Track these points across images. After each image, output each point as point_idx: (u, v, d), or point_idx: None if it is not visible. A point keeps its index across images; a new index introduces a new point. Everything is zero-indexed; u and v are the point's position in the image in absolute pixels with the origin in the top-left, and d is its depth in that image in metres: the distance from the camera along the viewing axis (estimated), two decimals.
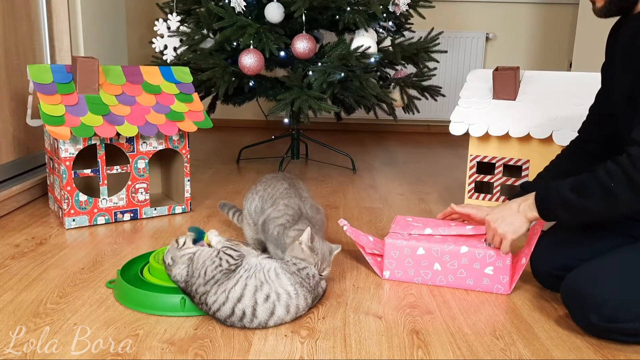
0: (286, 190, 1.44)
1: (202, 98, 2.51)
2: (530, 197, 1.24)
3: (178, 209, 1.95)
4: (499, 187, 1.90)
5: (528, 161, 1.84)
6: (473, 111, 1.92)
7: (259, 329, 1.13)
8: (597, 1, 1.23)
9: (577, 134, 1.52)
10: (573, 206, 1.15)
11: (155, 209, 1.90)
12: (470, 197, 1.95)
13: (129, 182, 1.84)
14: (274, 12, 2.26)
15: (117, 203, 1.82)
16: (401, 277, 1.41)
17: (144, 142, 1.84)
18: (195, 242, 1.27)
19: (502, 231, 1.28)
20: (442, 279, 1.38)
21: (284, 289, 1.15)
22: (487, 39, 3.92)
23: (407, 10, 2.56)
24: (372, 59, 2.39)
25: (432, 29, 2.75)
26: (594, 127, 1.45)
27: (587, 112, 1.50)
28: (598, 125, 1.44)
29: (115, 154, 1.85)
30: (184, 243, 1.22)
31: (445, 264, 1.37)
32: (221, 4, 2.35)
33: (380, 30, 2.60)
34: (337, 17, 2.38)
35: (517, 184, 1.86)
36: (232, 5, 2.28)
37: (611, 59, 1.31)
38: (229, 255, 1.16)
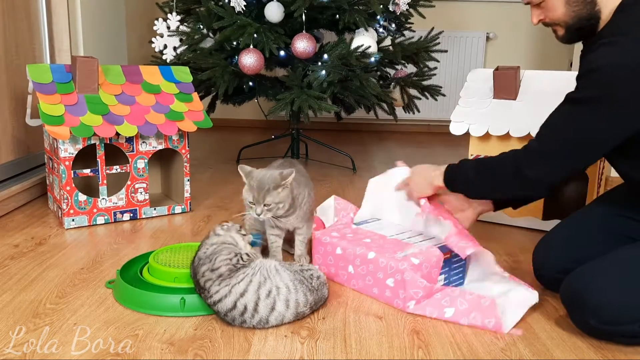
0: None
1: (201, 98, 2.51)
2: (442, 168, 1.35)
3: (178, 209, 1.95)
4: None
5: None
6: (473, 111, 1.92)
7: (258, 327, 1.13)
8: (558, 30, 1.26)
9: None
10: (468, 181, 1.28)
11: (154, 209, 1.90)
12: None
13: (129, 182, 1.83)
14: (274, 12, 2.26)
15: (116, 203, 1.82)
16: (327, 274, 1.39)
17: (143, 142, 1.84)
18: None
19: (411, 187, 1.43)
20: (354, 283, 1.34)
21: (283, 282, 1.16)
22: (488, 38, 3.91)
23: (407, 9, 2.56)
24: (372, 59, 2.39)
25: (433, 28, 2.74)
26: None
27: None
28: None
29: (115, 154, 1.85)
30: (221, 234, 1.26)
31: (356, 267, 1.33)
32: (221, 3, 2.34)
33: (381, 29, 2.59)
34: (337, 16, 2.38)
35: None
36: (232, 4, 2.28)
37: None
38: (240, 256, 1.20)
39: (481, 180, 1.26)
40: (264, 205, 1.33)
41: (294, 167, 1.41)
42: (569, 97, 1.16)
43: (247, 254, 1.21)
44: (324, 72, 2.29)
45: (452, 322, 1.20)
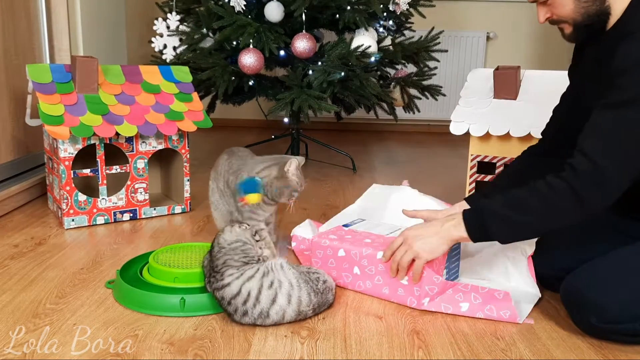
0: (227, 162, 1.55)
1: (201, 97, 2.51)
2: (457, 217, 1.17)
3: (178, 209, 1.95)
4: None
5: None
6: (473, 111, 1.91)
7: (259, 322, 1.13)
8: (565, 28, 1.20)
9: (540, 137, 1.46)
10: (509, 223, 1.12)
11: (154, 209, 1.90)
12: None
13: (129, 182, 1.83)
14: (273, 11, 2.26)
15: (116, 203, 1.82)
16: None
17: (143, 142, 1.84)
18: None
19: (418, 248, 1.18)
20: (361, 284, 1.32)
21: (286, 278, 1.17)
22: (488, 38, 3.91)
23: (407, 9, 2.56)
24: (372, 58, 2.39)
25: (433, 28, 2.74)
26: (559, 129, 1.40)
27: None
28: (562, 126, 1.39)
29: (115, 154, 1.84)
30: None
31: (363, 268, 1.30)
32: (221, 3, 2.34)
33: (381, 29, 2.59)
34: (337, 16, 2.38)
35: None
36: (231, 4, 2.28)
37: (582, 65, 1.30)
38: (259, 257, 1.23)
39: (530, 219, 1.11)
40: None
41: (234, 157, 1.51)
42: (611, 103, 1.07)
43: (263, 257, 1.25)
44: (323, 72, 2.29)
45: (452, 321, 1.20)
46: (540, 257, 1.36)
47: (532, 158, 1.44)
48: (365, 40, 2.33)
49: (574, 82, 1.37)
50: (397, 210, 1.48)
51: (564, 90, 1.42)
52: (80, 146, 1.72)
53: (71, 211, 1.73)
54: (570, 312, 1.17)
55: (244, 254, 1.21)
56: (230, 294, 1.13)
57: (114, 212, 1.82)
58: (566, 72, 1.45)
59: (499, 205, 1.14)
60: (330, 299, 1.24)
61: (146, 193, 1.87)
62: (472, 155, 1.92)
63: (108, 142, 1.77)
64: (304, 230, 1.59)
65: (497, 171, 1.89)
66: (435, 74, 2.73)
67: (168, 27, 2.44)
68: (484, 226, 1.14)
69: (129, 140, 1.81)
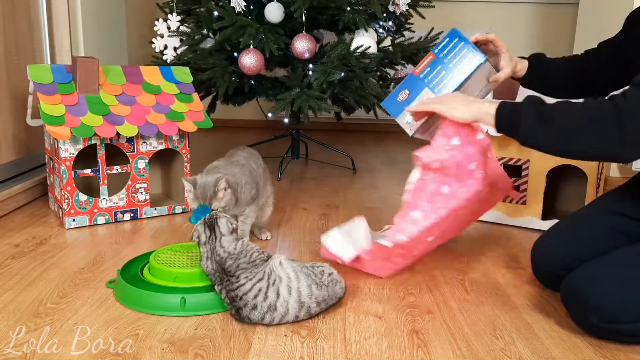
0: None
1: (202, 98, 2.51)
2: (494, 101, 1.17)
3: (178, 209, 1.95)
4: None
5: (528, 161, 1.84)
6: None
7: (268, 316, 1.13)
8: None
9: (593, 49, 1.42)
10: (544, 118, 1.07)
11: (155, 209, 1.90)
12: None
13: (129, 182, 1.84)
14: (274, 12, 2.26)
15: (117, 203, 1.82)
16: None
17: (144, 142, 1.84)
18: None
19: (443, 100, 1.22)
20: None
21: (284, 272, 1.18)
22: None
23: (407, 10, 2.56)
24: (372, 59, 2.39)
25: (432, 28, 2.74)
26: (605, 55, 1.37)
27: None
28: (609, 56, 1.35)
29: (115, 154, 1.85)
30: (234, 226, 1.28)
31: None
32: (221, 3, 2.34)
33: (380, 30, 2.59)
34: (337, 17, 2.38)
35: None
36: (232, 5, 2.28)
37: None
38: (262, 251, 1.25)
39: (566, 123, 1.04)
40: (212, 210, 1.40)
41: (231, 162, 1.54)
42: None
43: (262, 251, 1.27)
44: (323, 72, 2.30)
45: (452, 321, 1.20)
46: (538, 256, 1.36)
47: (572, 67, 1.43)
48: (365, 40, 2.33)
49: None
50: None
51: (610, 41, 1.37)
52: (81, 146, 1.72)
53: (72, 211, 1.74)
54: (570, 311, 1.17)
55: (259, 255, 1.23)
56: (243, 291, 1.14)
57: (115, 212, 1.82)
58: None
59: (542, 102, 1.09)
60: (338, 291, 1.24)
61: (147, 193, 1.88)
62: None
63: (109, 142, 1.78)
64: (333, 242, 1.44)
65: None
66: None
67: (169, 28, 2.45)
68: (516, 112, 1.10)
69: (130, 140, 1.81)
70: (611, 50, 1.37)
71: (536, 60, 1.43)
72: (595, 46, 1.43)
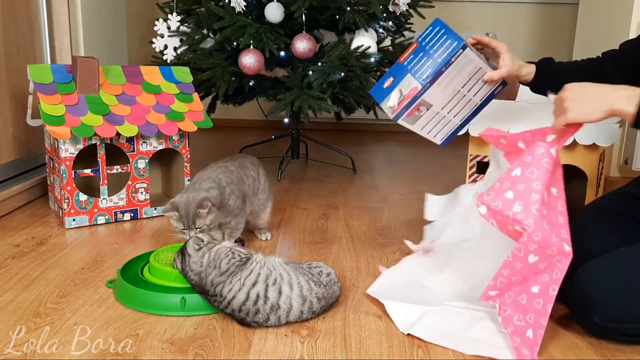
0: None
1: (202, 98, 2.51)
2: (635, 90, 1.04)
3: None
4: None
5: None
6: None
7: (272, 317, 1.13)
8: None
9: (613, 51, 1.40)
10: None
11: (155, 209, 1.90)
12: None
13: (129, 182, 1.84)
14: (274, 12, 2.26)
15: (117, 203, 1.82)
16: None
17: (144, 142, 1.84)
18: None
19: (569, 105, 1.07)
20: None
21: (285, 272, 1.18)
22: None
23: (407, 10, 2.56)
24: (372, 59, 2.39)
25: None
26: (634, 56, 1.34)
27: None
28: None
29: (116, 154, 1.85)
30: (205, 241, 1.25)
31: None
32: (221, 3, 2.34)
33: (380, 30, 2.59)
34: (337, 17, 2.38)
35: None
36: (232, 5, 2.28)
37: None
38: (239, 251, 1.22)
39: None
40: (196, 228, 1.40)
41: (225, 169, 1.54)
42: None
43: (240, 250, 1.23)
44: (323, 72, 2.30)
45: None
46: None
47: (590, 70, 1.41)
48: (365, 40, 2.33)
49: None
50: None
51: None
52: (81, 146, 1.72)
53: (72, 211, 1.74)
54: (572, 311, 1.17)
55: (230, 260, 1.18)
56: (239, 302, 1.13)
57: (115, 212, 1.82)
58: None
59: None
60: (337, 291, 1.24)
61: (147, 193, 1.88)
62: (471, 155, 1.93)
63: (109, 142, 1.78)
64: (378, 289, 1.34)
65: None
66: None
67: (169, 28, 2.45)
68: None
69: (130, 140, 1.81)
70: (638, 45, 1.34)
71: (544, 65, 1.41)
72: (616, 47, 1.41)
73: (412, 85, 1.31)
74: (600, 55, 1.45)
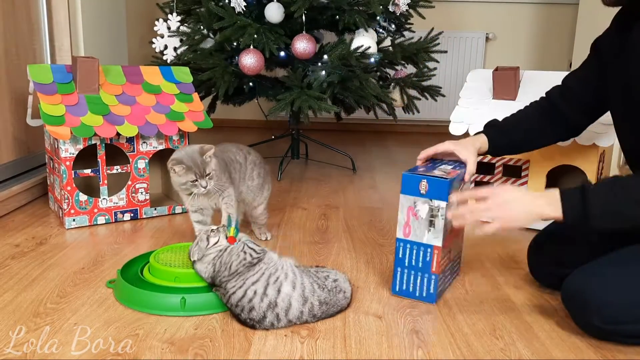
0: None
1: (202, 98, 2.51)
2: (553, 194, 1.09)
3: (178, 209, 1.95)
4: None
5: (528, 161, 1.84)
6: (473, 111, 1.92)
7: (269, 314, 1.12)
8: None
9: (559, 89, 1.42)
10: (615, 208, 1.04)
11: (155, 209, 1.90)
12: None
13: (129, 182, 1.84)
14: (274, 12, 2.26)
15: (117, 203, 1.82)
16: None
17: (144, 142, 1.84)
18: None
19: (498, 214, 1.11)
20: None
21: (291, 271, 1.19)
22: (487, 39, 3.91)
23: (407, 10, 2.56)
24: (372, 59, 2.39)
25: (432, 29, 2.74)
26: (584, 92, 1.36)
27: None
28: (589, 91, 1.35)
29: (116, 154, 1.85)
30: (216, 241, 1.25)
31: None
32: (221, 4, 2.35)
33: (380, 30, 2.59)
34: (337, 17, 2.38)
35: (517, 183, 1.86)
36: (232, 5, 2.28)
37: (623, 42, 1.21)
38: (252, 249, 1.22)
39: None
40: (207, 175, 1.45)
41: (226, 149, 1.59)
42: None
43: (253, 248, 1.23)
44: (323, 72, 2.30)
45: (452, 321, 1.20)
46: (540, 256, 1.36)
47: (543, 114, 1.43)
48: (365, 41, 2.33)
49: (607, 60, 1.27)
50: None
51: (586, 59, 1.37)
52: (81, 146, 1.72)
53: (72, 211, 1.74)
54: (571, 312, 1.17)
55: (241, 262, 1.19)
56: (236, 299, 1.14)
57: (115, 212, 1.82)
58: (564, 72, 1.44)
59: (605, 188, 1.06)
60: (342, 300, 1.22)
61: (147, 193, 1.88)
62: None
63: (109, 142, 1.78)
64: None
65: (496, 171, 1.90)
66: (434, 75, 2.73)
67: (169, 28, 2.45)
68: (585, 207, 1.05)
69: (130, 140, 1.81)
70: (585, 80, 1.36)
71: (491, 131, 1.42)
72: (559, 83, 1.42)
73: None
74: (545, 96, 1.45)
